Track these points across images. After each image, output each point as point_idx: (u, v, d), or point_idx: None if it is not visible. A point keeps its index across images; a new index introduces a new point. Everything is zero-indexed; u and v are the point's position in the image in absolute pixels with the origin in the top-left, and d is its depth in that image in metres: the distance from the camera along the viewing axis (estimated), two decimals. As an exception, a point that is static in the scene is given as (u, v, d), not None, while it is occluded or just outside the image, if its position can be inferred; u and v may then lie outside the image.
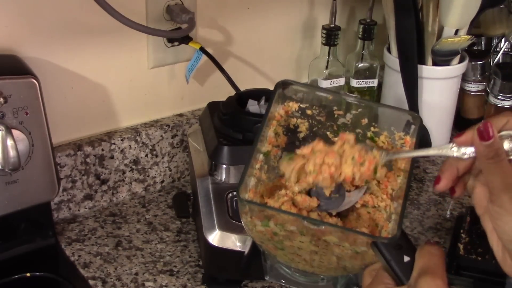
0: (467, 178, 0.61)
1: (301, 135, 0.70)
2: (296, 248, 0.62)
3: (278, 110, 0.69)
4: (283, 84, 0.69)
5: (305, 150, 0.63)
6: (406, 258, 0.58)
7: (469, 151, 0.57)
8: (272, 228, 0.60)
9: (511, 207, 0.55)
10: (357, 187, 0.66)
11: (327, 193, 0.64)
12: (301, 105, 0.70)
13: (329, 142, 0.66)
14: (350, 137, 0.63)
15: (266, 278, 0.70)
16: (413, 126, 0.69)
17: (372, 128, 0.70)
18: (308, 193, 0.65)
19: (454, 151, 0.57)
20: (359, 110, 0.69)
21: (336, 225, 0.63)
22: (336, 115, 0.70)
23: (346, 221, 0.66)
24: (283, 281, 0.70)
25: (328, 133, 0.71)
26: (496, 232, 0.58)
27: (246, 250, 0.79)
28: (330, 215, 0.65)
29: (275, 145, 0.69)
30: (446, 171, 0.60)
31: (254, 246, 0.69)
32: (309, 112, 0.70)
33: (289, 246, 0.62)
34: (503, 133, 0.56)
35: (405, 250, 0.58)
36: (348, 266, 0.63)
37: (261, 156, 0.66)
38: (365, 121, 0.70)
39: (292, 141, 0.70)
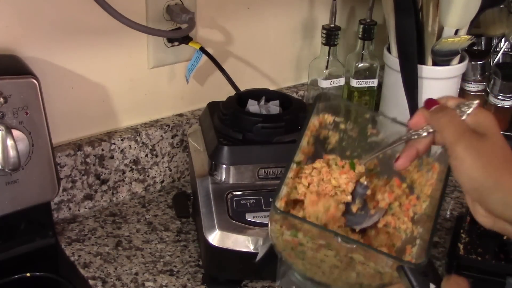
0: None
1: (329, 146, 0.71)
2: (319, 260, 0.63)
3: (314, 121, 0.70)
4: (323, 98, 0.70)
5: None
6: (432, 286, 0.59)
7: (425, 129, 0.60)
8: (300, 239, 0.62)
9: (465, 154, 0.57)
10: (378, 206, 0.69)
11: (354, 209, 0.66)
12: (336, 118, 0.71)
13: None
14: (332, 156, 0.68)
15: (277, 283, 0.71)
16: (440, 151, 0.69)
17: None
18: None
19: (412, 132, 0.61)
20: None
21: (367, 246, 0.64)
22: (369, 133, 0.71)
23: (365, 237, 0.68)
24: None
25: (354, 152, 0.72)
26: (460, 185, 0.59)
27: (247, 250, 0.79)
28: (353, 231, 0.67)
29: (307, 153, 0.70)
30: (405, 151, 0.62)
31: (271, 250, 0.69)
32: (342, 126, 0.71)
33: (311, 257, 0.64)
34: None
35: (431, 279, 0.59)
36: (365, 284, 0.64)
37: (294, 166, 0.67)
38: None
39: (319, 151, 0.71)
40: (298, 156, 0.68)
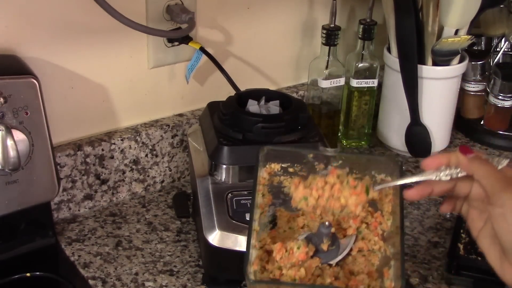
0: (458, 204, 0.66)
1: (286, 189, 0.73)
2: None
3: (262, 174, 0.72)
4: (264, 149, 0.72)
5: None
6: None
7: (448, 173, 0.62)
8: None
9: None
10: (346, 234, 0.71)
11: (324, 248, 0.68)
12: (282, 165, 0.73)
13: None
14: (340, 171, 0.69)
15: None
16: (394, 168, 0.73)
17: (354, 175, 0.72)
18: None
19: (436, 175, 0.63)
20: (340, 162, 0.72)
21: None
22: (317, 169, 0.73)
23: (344, 265, 0.69)
24: None
25: None
26: (499, 236, 0.60)
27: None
28: (330, 265, 0.68)
29: (264, 207, 0.72)
30: (421, 186, 0.65)
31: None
32: (291, 170, 0.73)
33: None
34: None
35: None
36: None
37: (256, 224, 0.69)
38: (346, 170, 0.72)
39: (278, 197, 0.74)
40: (257, 213, 0.69)
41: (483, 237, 0.64)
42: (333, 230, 0.69)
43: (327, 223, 0.68)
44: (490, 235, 0.63)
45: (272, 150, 0.73)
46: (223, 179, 0.85)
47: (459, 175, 0.62)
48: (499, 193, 0.59)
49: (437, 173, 0.63)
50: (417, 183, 0.65)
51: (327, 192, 0.67)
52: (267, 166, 0.73)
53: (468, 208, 0.66)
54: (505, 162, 0.63)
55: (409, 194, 0.65)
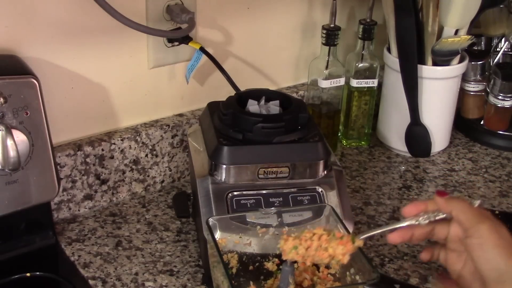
0: (436, 252, 0.73)
1: (234, 270, 0.78)
2: None
3: (220, 242, 0.76)
4: (211, 223, 0.76)
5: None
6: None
7: (426, 217, 0.68)
8: None
9: (490, 235, 0.63)
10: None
11: None
12: (228, 237, 0.77)
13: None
14: (319, 229, 0.72)
15: None
16: (328, 216, 0.79)
17: (292, 235, 0.76)
18: None
19: (416, 220, 0.69)
20: (279, 220, 0.78)
21: None
22: (260, 234, 0.78)
23: None
24: None
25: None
26: (477, 265, 0.64)
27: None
28: None
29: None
30: (402, 230, 0.70)
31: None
32: (236, 241, 0.78)
33: None
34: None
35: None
36: None
37: None
38: (285, 230, 0.78)
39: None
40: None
41: (463, 276, 0.69)
42: (296, 265, 0.75)
43: (288, 261, 0.72)
44: (470, 272, 0.68)
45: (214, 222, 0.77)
46: (223, 179, 0.84)
47: (437, 218, 0.68)
48: (476, 225, 0.64)
49: (416, 218, 0.69)
50: (399, 228, 0.71)
51: (315, 242, 0.71)
52: (218, 238, 0.76)
53: (446, 254, 0.71)
54: (477, 203, 0.69)
55: (392, 238, 0.71)
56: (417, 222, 0.68)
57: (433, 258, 0.74)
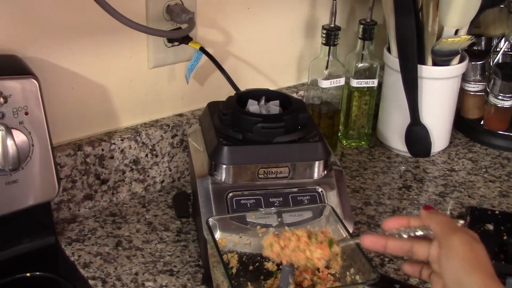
0: (418, 268, 0.70)
1: (234, 270, 0.78)
2: None
3: (220, 242, 0.76)
4: (211, 223, 0.76)
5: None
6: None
7: (407, 231, 0.67)
8: None
9: (460, 246, 0.61)
10: None
11: None
12: (228, 237, 0.77)
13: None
14: (301, 231, 0.72)
15: None
16: (328, 216, 0.79)
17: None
18: None
19: (396, 232, 0.67)
20: (279, 219, 0.78)
21: None
22: (260, 234, 0.77)
23: None
24: None
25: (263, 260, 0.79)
26: (443, 277, 0.63)
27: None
28: None
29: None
30: (377, 237, 0.68)
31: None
32: (236, 241, 0.78)
33: None
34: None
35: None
36: None
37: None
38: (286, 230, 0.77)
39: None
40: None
41: None
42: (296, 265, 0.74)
43: (288, 263, 0.72)
44: None
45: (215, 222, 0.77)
46: (223, 179, 0.84)
47: (417, 233, 0.66)
48: (449, 236, 0.62)
49: (397, 232, 0.67)
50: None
51: (293, 243, 0.70)
52: (219, 239, 0.76)
53: (428, 273, 0.69)
54: (460, 223, 0.68)
55: (364, 239, 0.68)
56: (396, 235, 0.67)
57: (415, 274, 0.71)
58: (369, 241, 0.68)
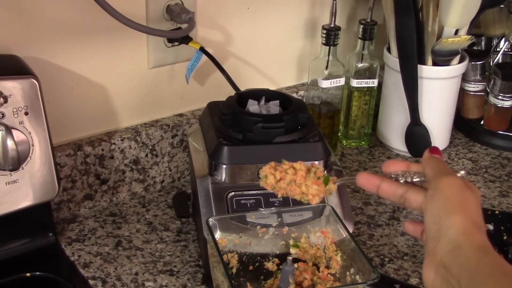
0: (420, 227, 0.64)
1: (234, 270, 0.78)
2: None
3: (220, 242, 0.76)
4: (211, 223, 0.76)
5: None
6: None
7: (404, 175, 0.64)
8: None
9: (447, 188, 0.57)
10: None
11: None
12: (229, 237, 0.78)
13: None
14: (300, 164, 0.70)
15: None
16: (328, 216, 0.80)
17: (292, 235, 0.79)
18: None
19: (393, 175, 0.64)
20: (279, 219, 0.79)
21: None
22: (260, 234, 0.78)
23: None
24: None
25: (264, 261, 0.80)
26: (424, 217, 0.58)
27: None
28: None
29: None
30: (373, 176, 0.64)
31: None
32: (236, 241, 0.78)
33: None
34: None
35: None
36: None
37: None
38: (285, 230, 0.79)
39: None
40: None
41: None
42: (296, 265, 0.75)
43: (288, 260, 0.73)
44: None
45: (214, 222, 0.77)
46: (223, 179, 0.84)
47: (414, 179, 0.63)
48: (439, 177, 0.58)
49: (395, 174, 0.64)
50: None
51: (290, 176, 0.68)
52: (218, 239, 0.76)
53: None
54: (461, 173, 0.62)
55: (359, 176, 0.64)
56: (393, 178, 0.63)
57: (415, 234, 0.65)
58: (364, 179, 0.64)
